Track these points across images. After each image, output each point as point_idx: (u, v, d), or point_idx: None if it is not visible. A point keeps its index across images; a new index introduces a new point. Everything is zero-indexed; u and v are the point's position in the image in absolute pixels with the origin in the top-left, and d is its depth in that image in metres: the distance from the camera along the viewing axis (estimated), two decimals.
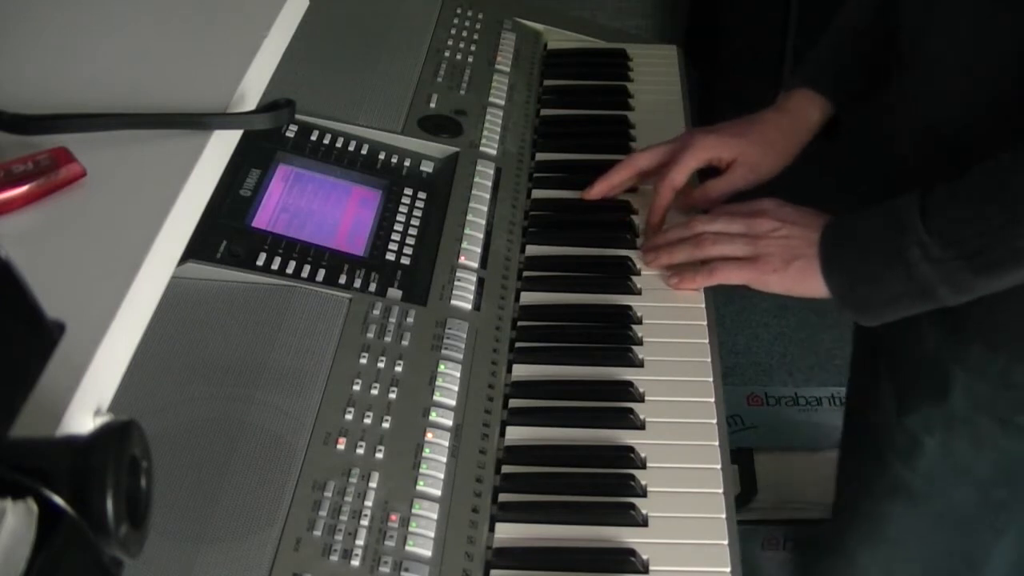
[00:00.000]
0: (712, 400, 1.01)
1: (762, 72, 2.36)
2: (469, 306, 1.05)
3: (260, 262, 1.01)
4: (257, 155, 1.11)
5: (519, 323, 1.08)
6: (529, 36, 1.48)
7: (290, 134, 1.16)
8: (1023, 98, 0.96)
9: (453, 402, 0.95)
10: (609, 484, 0.93)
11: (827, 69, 1.22)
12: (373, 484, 0.86)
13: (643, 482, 0.92)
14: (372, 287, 1.02)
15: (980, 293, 0.97)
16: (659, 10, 2.63)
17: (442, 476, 0.89)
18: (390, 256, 1.07)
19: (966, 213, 0.97)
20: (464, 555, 0.85)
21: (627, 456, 0.95)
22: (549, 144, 1.32)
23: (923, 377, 1.12)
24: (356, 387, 0.93)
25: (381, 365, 0.95)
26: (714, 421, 0.99)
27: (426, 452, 0.90)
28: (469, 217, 1.15)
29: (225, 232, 1.02)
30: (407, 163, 1.20)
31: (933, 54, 1.04)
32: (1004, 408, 1.08)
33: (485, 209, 1.17)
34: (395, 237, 1.09)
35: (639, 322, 1.08)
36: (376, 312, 1.00)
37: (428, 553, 0.83)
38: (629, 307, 1.09)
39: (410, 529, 0.84)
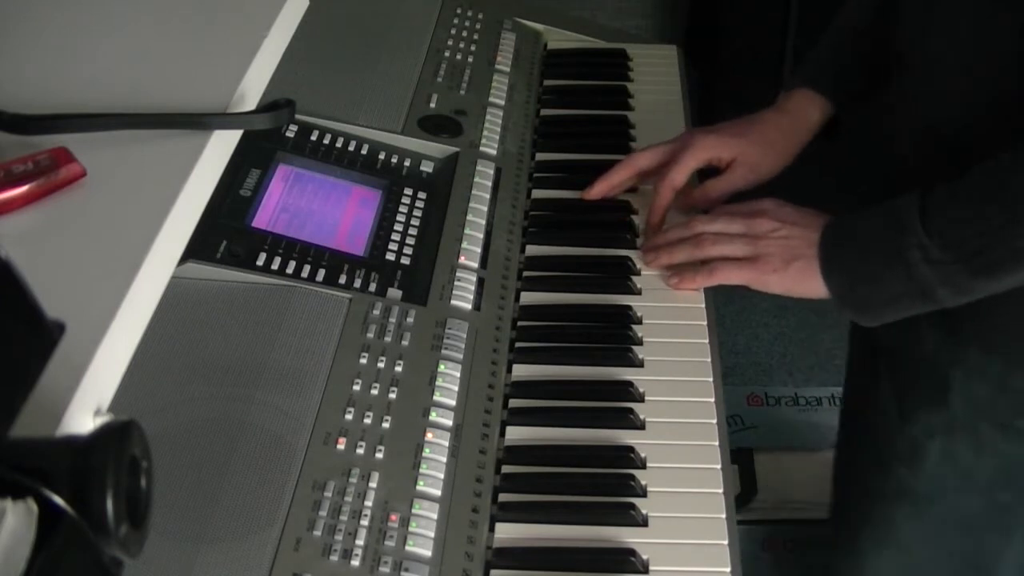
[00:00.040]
0: (712, 400, 1.01)
1: (762, 72, 2.36)
2: (469, 306, 1.05)
3: (260, 262, 1.01)
4: (257, 155, 1.11)
5: (519, 323, 1.08)
6: (529, 36, 1.48)
7: (290, 134, 1.16)
8: (1023, 98, 0.96)
9: (453, 402, 0.95)
10: (609, 484, 0.93)
11: (827, 69, 1.22)
12: (373, 484, 0.86)
13: (643, 482, 0.92)
14: (372, 287, 1.02)
15: (980, 295, 0.97)
16: (659, 10, 2.63)
17: (442, 476, 0.89)
18: (390, 256, 1.07)
19: (966, 213, 0.97)
20: (464, 555, 0.85)
21: (627, 456, 0.95)
22: (549, 144, 1.32)
23: (922, 381, 1.12)
24: (356, 387, 0.93)
25: (381, 365, 0.95)
26: (714, 421, 0.99)
27: (426, 452, 0.90)
28: (469, 217, 1.15)
29: (225, 232, 1.02)
30: (407, 163, 1.20)
31: (933, 54, 1.04)
32: (1003, 412, 1.08)
33: (485, 209, 1.17)
34: (395, 237, 1.09)
35: (639, 322, 1.08)
36: (376, 312, 1.00)
37: (428, 553, 0.83)
38: (629, 307, 1.09)
39: (410, 529, 0.84)
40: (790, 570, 1.80)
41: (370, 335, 0.98)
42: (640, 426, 0.98)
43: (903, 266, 0.97)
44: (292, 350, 0.94)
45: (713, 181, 1.19)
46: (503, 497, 0.91)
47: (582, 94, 1.42)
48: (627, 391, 1.00)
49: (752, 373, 2.34)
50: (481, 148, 1.25)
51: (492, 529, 0.89)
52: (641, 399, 1.00)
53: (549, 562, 0.87)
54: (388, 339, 0.98)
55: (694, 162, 1.17)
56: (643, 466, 0.94)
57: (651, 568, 0.87)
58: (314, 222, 1.08)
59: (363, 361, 0.95)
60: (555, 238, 1.18)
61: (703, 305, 1.10)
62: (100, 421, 0.58)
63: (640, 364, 1.04)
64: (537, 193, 1.25)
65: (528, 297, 1.11)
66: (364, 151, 1.19)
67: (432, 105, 1.28)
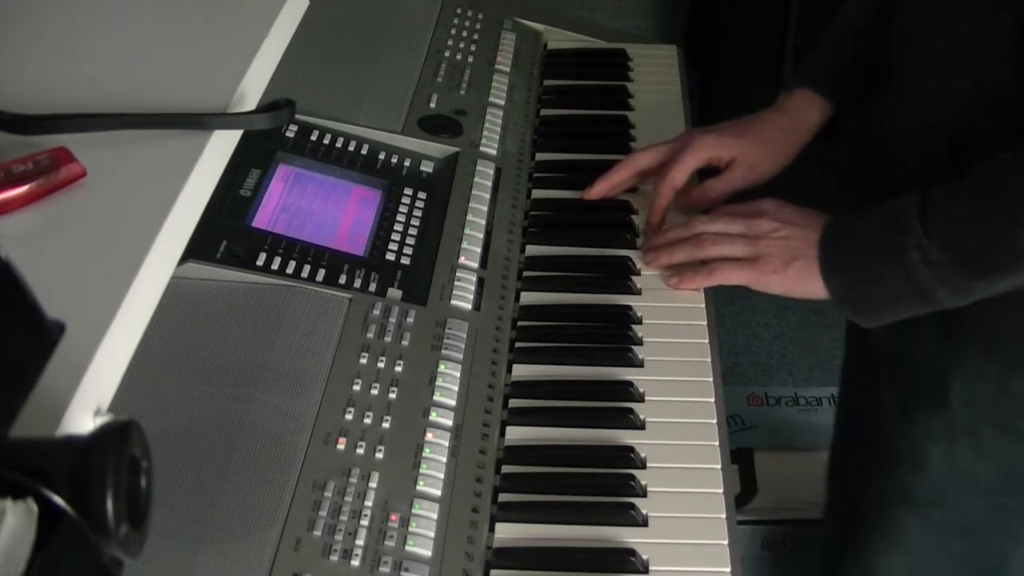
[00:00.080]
0: (712, 400, 1.01)
1: (762, 72, 2.36)
2: (469, 306, 1.05)
3: (260, 262, 1.01)
4: (257, 155, 1.11)
5: (519, 323, 1.08)
6: (529, 36, 1.48)
7: (290, 134, 1.16)
8: (1023, 98, 0.96)
9: (453, 402, 0.95)
10: (609, 484, 0.93)
11: (827, 69, 1.22)
12: (373, 484, 0.86)
13: (643, 482, 0.92)
14: (372, 287, 1.02)
15: (979, 296, 0.97)
16: (659, 10, 2.63)
17: (442, 476, 0.89)
18: (390, 256, 1.07)
19: (966, 213, 0.97)
20: (464, 555, 0.85)
21: (627, 456, 0.95)
22: (549, 144, 1.32)
23: (922, 384, 1.12)
24: (356, 387, 0.93)
25: (381, 365, 0.95)
26: (714, 421, 0.99)
27: (426, 452, 0.90)
28: (469, 217, 1.15)
29: (225, 232, 1.02)
30: (407, 163, 1.20)
31: (933, 54, 1.03)
32: (1004, 414, 1.08)
33: (485, 209, 1.17)
34: (395, 237, 1.09)
35: (639, 322, 1.08)
36: (376, 312, 1.00)
37: (428, 553, 0.83)
38: (629, 307, 1.09)
39: (410, 529, 0.84)
40: (790, 570, 1.80)
41: (370, 335, 0.98)
42: (640, 426, 0.98)
43: (902, 267, 0.97)
44: (292, 350, 0.94)
45: (713, 181, 1.19)
46: (503, 497, 0.91)
47: (582, 94, 1.42)
48: (627, 391, 1.00)
49: (752, 373, 2.34)
50: (481, 148, 1.25)
51: (492, 529, 0.89)
52: (641, 399, 1.00)
53: (549, 562, 0.87)
54: (388, 339, 0.98)
55: (694, 162, 1.17)
56: (643, 466, 0.94)
57: (651, 568, 0.87)
58: (314, 222, 1.08)
59: (363, 361, 0.95)
60: (555, 238, 1.18)
61: (703, 305, 1.10)
62: (100, 421, 0.58)
63: (640, 364, 1.04)
64: (537, 193, 1.25)
65: (528, 297, 1.11)
66: (364, 151, 1.19)
67: (432, 105, 1.28)
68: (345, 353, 0.95)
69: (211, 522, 0.81)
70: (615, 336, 1.06)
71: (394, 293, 1.03)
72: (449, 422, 0.93)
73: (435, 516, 0.86)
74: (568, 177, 1.25)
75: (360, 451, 0.88)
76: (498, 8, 1.49)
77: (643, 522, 0.90)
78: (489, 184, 1.20)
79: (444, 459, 0.90)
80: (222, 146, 0.79)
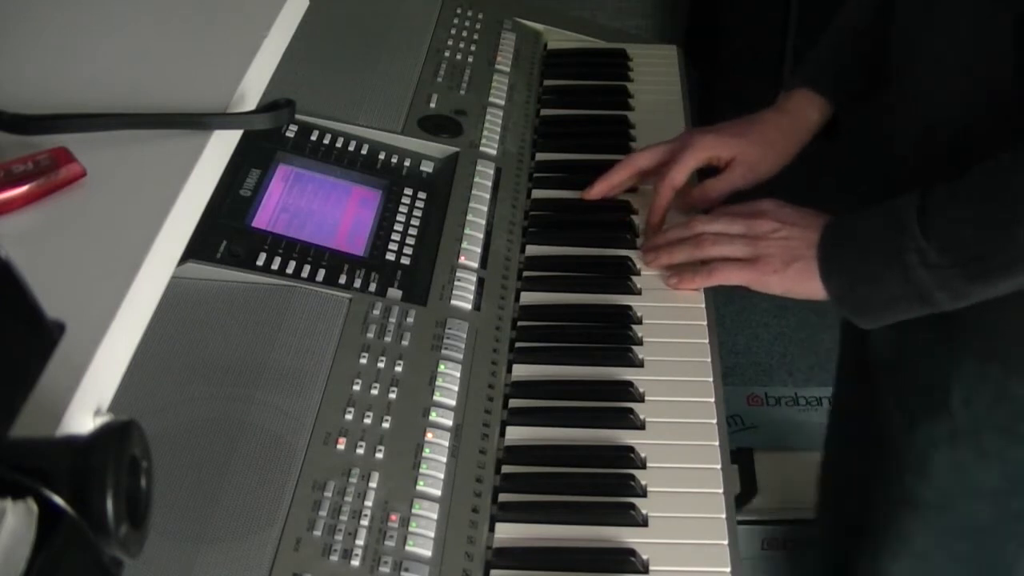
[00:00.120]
0: (712, 400, 1.01)
1: (762, 72, 2.36)
2: (469, 306, 1.05)
3: (260, 262, 1.01)
4: (257, 155, 1.11)
5: (519, 323, 1.08)
6: (529, 36, 1.48)
7: (290, 134, 1.16)
8: (1023, 98, 0.96)
9: (453, 402, 0.95)
10: (609, 484, 0.93)
11: (827, 69, 1.22)
12: (373, 484, 0.86)
13: (643, 482, 0.92)
14: (372, 287, 1.02)
15: (977, 299, 0.97)
16: (659, 10, 2.63)
17: (442, 476, 0.89)
18: (390, 256, 1.07)
19: (966, 213, 0.97)
20: (464, 555, 0.85)
21: (627, 456, 0.95)
22: (549, 144, 1.32)
23: (923, 389, 1.12)
24: (356, 387, 0.93)
25: (381, 365, 0.95)
26: (714, 421, 0.99)
27: (426, 452, 0.90)
28: (469, 217, 1.15)
29: (225, 232, 1.02)
30: (407, 163, 1.20)
31: (933, 54, 1.03)
32: (1006, 418, 1.07)
33: (485, 209, 1.17)
34: (395, 237, 1.09)
35: (639, 322, 1.08)
36: (376, 312, 1.00)
37: (428, 553, 0.83)
38: (629, 307, 1.09)
39: (410, 529, 0.84)
40: (790, 570, 1.80)
41: (370, 335, 0.98)
42: (640, 426, 0.98)
43: (900, 268, 0.97)
44: (292, 350, 0.94)
45: (712, 180, 1.19)
46: (503, 497, 0.91)
47: (582, 94, 1.42)
48: (627, 391, 1.00)
49: (752, 373, 2.34)
50: (481, 148, 1.25)
51: (492, 529, 0.89)
52: (641, 399, 1.00)
53: (549, 562, 0.87)
54: (388, 339, 0.98)
55: (694, 162, 1.17)
56: (643, 466, 0.94)
57: (651, 568, 0.87)
58: (314, 222, 1.08)
59: (363, 361, 0.95)
60: (555, 238, 1.18)
61: (703, 305, 1.10)
62: (100, 421, 0.58)
63: (640, 364, 1.04)
64: (537, 193, 1.25)
65: (528, 297, 1.11)
66: (364, 151, 1.19)
67: (432, 105, 1.28)
68: (345, 353, 0.95)
69: (211, 522, 0.81)
70: (615, 336, 1.06)
71: (394, 293, 1.03)
72: (449, 422, 0.93)
73: (435, 516, 0.86)
74: (568, 177, 1.25)
75: (360, 451, 0.88)
76: (498, 8, 1.49)
77: (643, 522, 0.90)
78: (489, 184, 1.20)
79: (444, 459, 0.90)
80: (222, 146, 0.79)
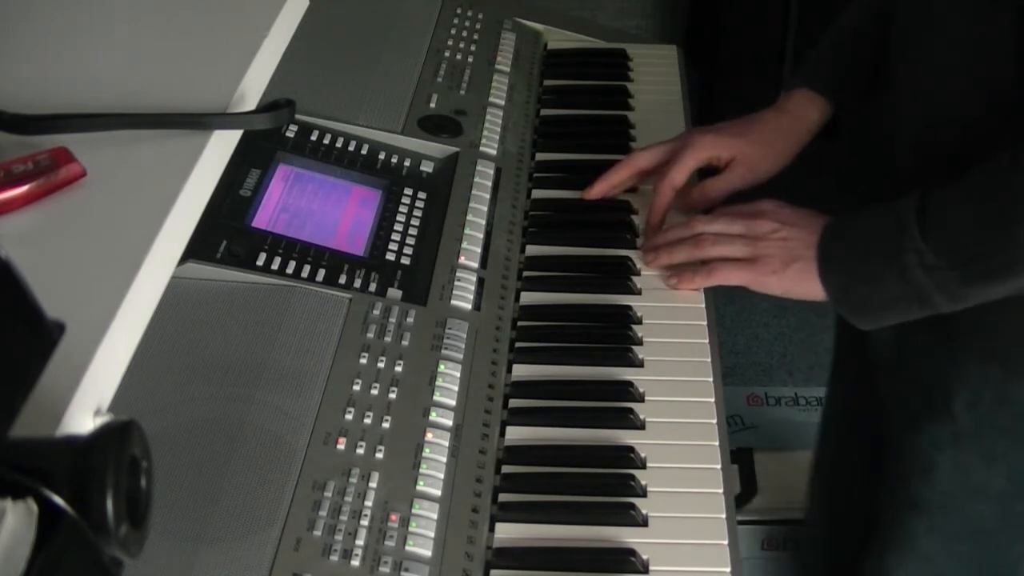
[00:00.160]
0: (712, 400, 1.01)
1: (762, 72, 2.36)
2: (469, 306, 1.05)
3: (260, 262, 1.01)
4: (257, 155, 1.11)
5: (519, 323, 1.08)
6: (529, 36, 1.48)
7: (290, 134, 1.16)
8: (1022, 98, 0.96)
9: (453, 402, 0.95)
10: (609, 484, 0.93)
11: (827, 69, 1.22)
12: (373, 484, 0.86)
13: (643, 482, 0.92)
14: (372, 287, 1.02)
15: (976, 301, 0.97)
16: (659, 10, 2.63)
17: (442, 476, 0.89)
18: (390, 256, 1.07)
19: (965, 213, 0.97)
20: (464, 555, 0.85)
21: (627, 456, 0.95)
22: (549, 144, 1.32)
23: (926, 391, 1.11)
24: (356, 387, 0.93)
25: (381, 365, 0.95)
26: (714, 421, 0.99)
27: (426, 452, 0.90)
28: (469, 217, 1.15)
29: (225, 232, 1.02)
30: (407, 163, 1.20)
31: (933, 54, 1.03)
32: (1009, 420, 1.07)
33: (485, 209, 1.17)
34: (395, 237, 1.09)
35: (639, 322, 1.08)
36: (376, 312, 1.00)
37: (428, 553, 0.83)
38: (629, 307, 1.09)
39: (410, 529, 0.84)
40: (790, 570, 1.80)
41: (370, 335, 0.98)
42: (640, 426, 0.98)
43: (899, 269, 0.97)
44: (292, 350, 0.94)
45: (712, 180, 1.19)
46: (503, 497, 0.91)
47: (582, 94, 1.42)
48: (627, 391, 1.00)
49: (752, 373, 2.34)
50: (481, 148, 1.25)
51: (492, 529, 0.89)
52: (641, 399, 1.00)
53: (549, 562, 0.87)
54: (388, 339, 0.98)
55: (694, 161, 1.17)
56: (643, 466, 0.94)
57: (651, 568, 0.87)
58: (314, 222, 1.08)
59: (363, 361, 0.95)
60: (555, 238, 1.18)
61: (703, 305, 1.10)
62: (100, 421, 0.58)
63: (640, 364, 1.04)
64: (537, 193, 1.25)
65: (528, 297, 1.11)
66: (364, 151, 1.19)
67: (432, 105, 1.28)
68: (345, 353, 0.95)
69: (211, 522, 0.81)
70: (615, 336, 1.06)
71: (394, 293, 1.03)
72: (449, 422, 0.93)
73: (435, 516, 0.86)
74: (568, 177, 1.25)
75: (360, 451, 0.88)
76: (498, 8, 1.49)
77: (643, 522, 0.90)
78: (489, 184, 1.20)
79: (444, 459, 0.90)
80: (222, 146, 0.79)
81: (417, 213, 1.13)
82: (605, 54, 1.50)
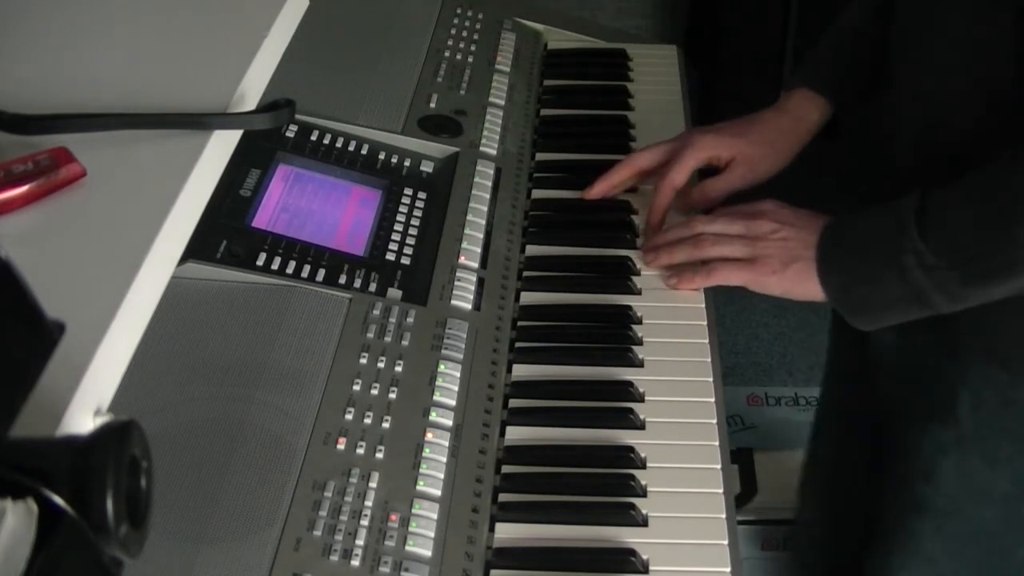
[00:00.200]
0: (712, 400, 1.01)
1: (762, 72, 2.36)
2: (469, 306, 1.05)
3: (260, 262, 1.01)
4: (257, 155, 1.11)
5: (519, 323, 1.08)
6: (529, 36, 1.48)
7: (290, 134, 1.16)
8: (1023, 98, 0.96)
9: (453, 402, 0.95)
10: (609, 484, 0.93)
11: (827, 69, 1.22)
12: (373, 484, 0.86)
13: (643, 482, 0.92)
14: (372, 287, 1.02)
15: (975, 302, 0.97)
16: (659, 10, 2.63)
17: (442, 476, 0.89)
18: (390, 256, 1.07)
19: (965, 213, 0.96)
20: (464, 555, 0.85)
21: (627, 456, 0.95)
22: (549, 144, 1.32)
23: (929, 394, 1.11)
24: (356, 387, 0.93)
25: (381, 365, 0.95)
26: (714, 421, 0.99)
27: (426, 452, 0.90)
28: (469, 217, 1.15)
29: (225, 232, 1.02)
30: (407, 163, 1.20)
31: (933, 54, 1.03)
32: (1013, 423, 1.07)
33: (485, 209, 1.17)
34: (395, 237, 1.09)
35: (639, 322, 1.08)
36: (376, 312, 1.00)
37: (428, 553, 0.83)
38: (629, 307, 1.09)
39: (410, 529, 0.84)
40: (790, 570, 1.80)
41: (370, 335, 0.98)
42: (640, 426, 0.98)
43: (898, 269, 0.97)
44: (292, 350, 0.94)
45: (712, 180, 1.19)
46: (503, 497, 0.91)
47: (582, 94, 1.42)
48: (627, 391, 1.00)
49: (752, 373, 2.34)
50: (481, 148, 1.25)
51: (492, 529, 0.89)
52: (641, 399, 1.00)
53: (549, 562, 0.87)
54: (388, 339, 0.98)
55: (694, 161, 1.17)
56: (643, 466, 0.94)
57: (651, 568, 0.87)
58: (314, 222, 1.08)
59: (363, 361, 0.95)
60: (555, 238, 1.18)
61: (703, 305, 1.10)
62: (100, 421, 0.58)
63: (640, 364, 1.04)
64: (537, 193, 1.25)
65: (528, 297, 1.11)
66: (364, 151, 1.19)
67: (432, 105, 1.28)
68: (345, 353, 0.95)
69: (211, 522, 0.81)
70: (615, 336, 1.06)
71: (394, 293, 1.03)
72: (449, 422, 0.93)
73: (435, 516, 0.86)
74: (568, 177, 1.25)
75: (360, 451, 0.88)
76: (498, 8, 1.49)
77: (643, 522, 0.90)
78: (489, 184, 1.20)
79: (444, 459, 0.90)
80: (222, 146, 0.79)
81: (417, 213, 1.13)
82: (605, 54, 1.50)
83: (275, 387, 0.91)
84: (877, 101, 1.17)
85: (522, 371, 1.03)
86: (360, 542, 0.82)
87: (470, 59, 1.37)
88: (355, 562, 0.81)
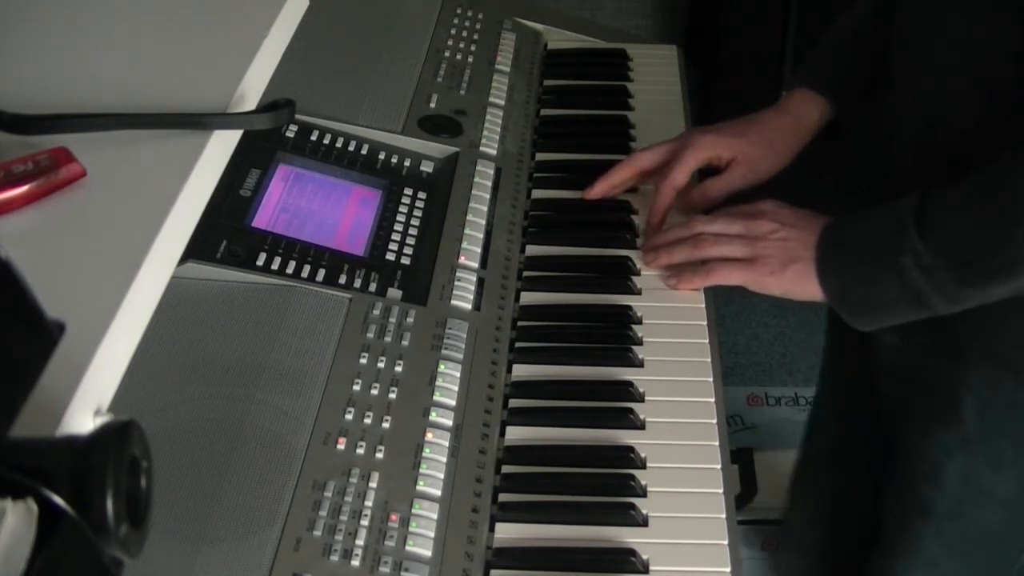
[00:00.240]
0: (712, 400, 1.01)
1: (762, 72, 2.36)
2: (469, 306, 1.05)
3: (260, 262, 1.01)
4: (257, 155, 1.11)
5: (519, 323, 1.08)
6: (529, 36, 1.48)
7: (290, 134, 1.16)
8: (1023, 98, 0.96)
9: (453, 402, 0.95)
10: (609, 484, 0.93)
11: (827, 69, 1.22)
12: (373, 484, 0.86)
13: (643, 482, 0.92)
14: (372, 287, 1.02)
15: (974, 303, 0.97)
16: (659, 10, 2.63)
17: (442, 476, 0.89)
18: (390, 256, 1.07)
19: (964, 213, 0.96)
20: (464, 555, 0.85)
21: (627, 456, 0.95)
22: (549, 144, 1.32)
23: (932, 399, 1.11)
24: (356, 387, 0.93)
25: (381, 365, 0.95)
26: (714, 421, 0.99)
27: (426, 452, 0.90)
28: (469, 217, 1.15)
29: (225, 232, 1.02)
30: (407, 163, 1.20)
31: (933, 54, 1.03)
32: (1017, 426, 1.07)
33: (485, 209, 1.17)
34: (395, 237, 1.09)
35: (639, 322, 1.08)
36: (376, 312, 1.00)
37: (428, 553, 0.83)
38: (629, 307, 1.09)
39: (410, 529, 0.84)
40: (790, 570, 1.80)
41: (370, 335, 0.98)
42: (640, 426, 0.98)
43: (896, 270, 0.97)
44: (292, 350, 0.94)
45: (712, 180, 1.19)
46: (503, 497, 0.91)
47: (582, 94, 1.42)
48: (627, 391, 1.00)
49: (752, 373, 2.34)
50: (481, 148, 1.25)
51: (492, 529, 0.89)
52: (641, 399, 1.00)
53: (549, 562, 0.87)
54: (388, 339, 0.98)
55: (694, 161, 1.17)
56: (643, 466, 0.94)
57: (651, 568, 0.87)
58: (314, 222, 1.08)
59: (363, 361, 0.95)
60: (555, 238, 1.18)
61: (703, 305, 1.10)
62: (100, 421, 0.58)
63: (640, 364, 1.04)
64: (537, 193, 1.25)
65: (528, 297, 1.11)
66: (364, 151, 1.19)
67: (432, 105, 1.28)
68: (345, 353, 0.95)
69: (211, 522, 0.81)
70: (615, 336, 1.06)
71: (394, 293, 1.03)
72: (449, 422, 0.93)
73: (435, 516, 0.86)
74: (568, 177, 1.25)
75: (360, 451, 0.88)
76: (498, 8, 1.49)
77: (643, 522, 0.90)
78: (489, 184, 1.20)
79: (444, 459, 0.90)
80: (222, 146, 0.79)
81: (417, 213, 1.13)
82: (605, 54, 1.50)
83: (275, 387, 0.91)
84: (877, 101, 1.17)
85: (522, 371, 1.03)
86: (360, 542, 0.82)
87: (470, 59, 1.37)
88: (355, 562, 0.81)
